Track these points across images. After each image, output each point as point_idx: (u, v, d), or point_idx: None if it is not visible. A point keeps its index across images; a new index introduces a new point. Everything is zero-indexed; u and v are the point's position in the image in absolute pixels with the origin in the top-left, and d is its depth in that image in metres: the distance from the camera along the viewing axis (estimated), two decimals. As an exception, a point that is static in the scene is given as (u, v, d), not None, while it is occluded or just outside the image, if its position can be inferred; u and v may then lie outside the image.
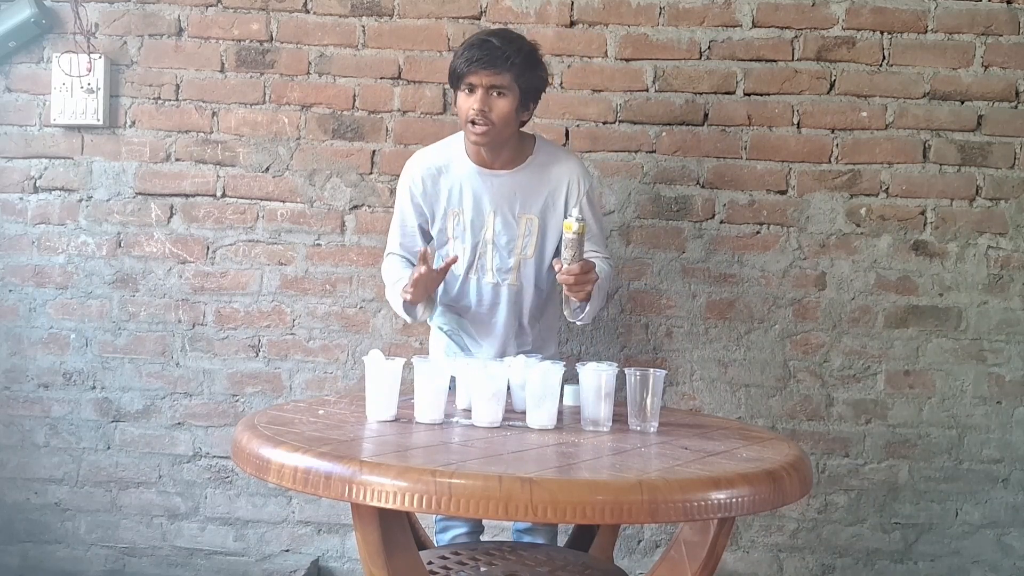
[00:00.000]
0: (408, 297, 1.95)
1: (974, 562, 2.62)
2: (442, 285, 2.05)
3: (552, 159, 2.08)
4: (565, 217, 1.88)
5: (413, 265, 2.08)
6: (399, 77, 2.64)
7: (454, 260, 1.97)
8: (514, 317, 2.12)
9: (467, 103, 1.92)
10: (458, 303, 2.14)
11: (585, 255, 1.83)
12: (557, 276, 1.84)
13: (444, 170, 2.06)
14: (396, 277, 2.08)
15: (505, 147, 2.01)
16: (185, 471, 2.68)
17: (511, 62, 1.88)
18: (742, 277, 2.63)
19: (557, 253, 2.00)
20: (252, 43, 2.66)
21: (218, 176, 2.68)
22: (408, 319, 2.05)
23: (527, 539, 2.19)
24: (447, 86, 2.62)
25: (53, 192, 2.68)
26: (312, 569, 2.62)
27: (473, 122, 1.91)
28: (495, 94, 1.90)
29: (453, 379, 1.72)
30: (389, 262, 2.16)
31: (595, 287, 1.88)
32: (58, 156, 2.68)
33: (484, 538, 2.24)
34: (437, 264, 2.00)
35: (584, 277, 1.81)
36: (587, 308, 1.93)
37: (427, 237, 2.14)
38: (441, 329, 2.23)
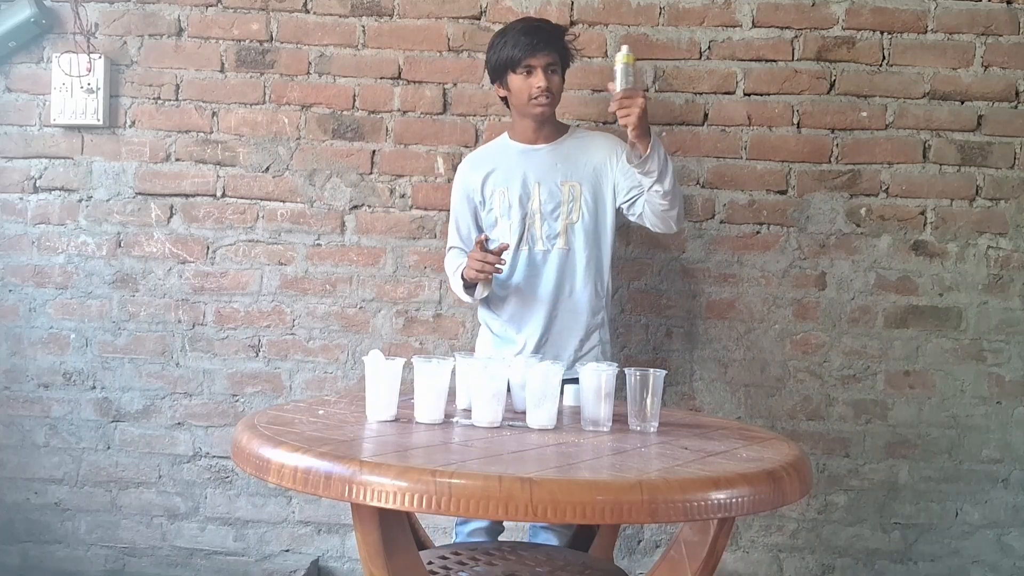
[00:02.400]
0: (469, 275, 2.12)
1: (974, 562, 2.62)
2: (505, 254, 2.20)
3: (590, 135, 2.32)
4: (610, 175, 2.19)
5: None
6: (399, 77, 2.64)
7: (505, 247, 2.10)
8: (564, 280, 2.21)
9: (527, 83, 2.14)
10: (510, 280, 2.23)
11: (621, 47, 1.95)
12: (609, 108, 1.96)
13: (490, 163, 2.27)
14: (455, 265, 2.26)
15: (549, 121, 2.24)
16: (185, 471, 2.68)
17: (559, 43, 2.17)
18: (742, 277, 2.63)
19: (608, 221, 2.22)
20: (252, 43, 2.66)
21: (218, 176, 2.68)
22: (469, 299, 2.24)
23: (543, 536, 2.21)
24: (447, 86, 2.63)
25: (53, 192, 2.68)
26: (312, 569, 2.62)
27: (539, 98, 2.14)
28: (551, 71, 2.15)
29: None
30: (450, 255, 2.34)
31: (657, 144, 1.97)
32: (58, 156, 2.68)
33: (502, 537, 2.26)
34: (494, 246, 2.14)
35: (630, 100, 1.90)
36: (652, 157, 1.97)
37: (480, 230, 2.29)
38: (487, 325, 2.31)
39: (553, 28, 2.19)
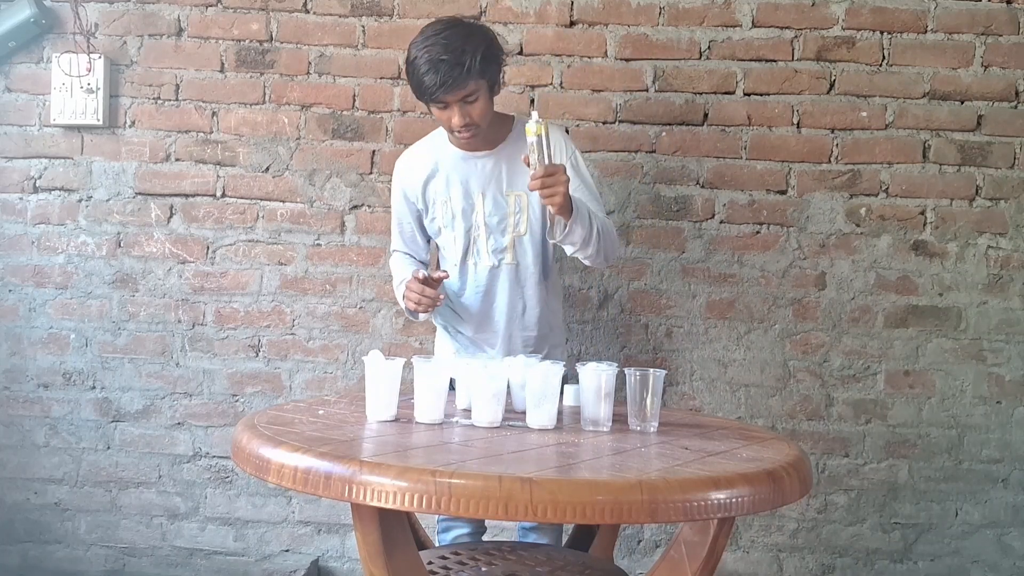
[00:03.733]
0: (410, 307, 1.99)
1: (974, 562, 2.62)
2: (455, 271, 2.09)
3: None
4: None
5: (416, 261, 2.17)
6: (399, 77, 2.64)
7: (445, 275, 1.97)
8: (517, 298, 2.09)
9: (444, 116, 1.93)
10: (459, 296, 2.13)
11: (532, 114, 1.76)
12: (528, 185, 1.78)
13: (430, 163, 2.08)
14: (400, 277, 2.12)
15: (487, 131, 2.01)
16: (185, 471, 2.68)
17: (471, 72, 1.85)
18: (742, 277, 2.63)
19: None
20: (252, 43, 2.66)
21: (218, 176, 2.68)
22: (412, 319, 2.08)
23: (532, 537, 2.19)
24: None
25: (53, 192, 2.68)
26: (312, 569, 2.62)
27: (460, 132, 1.94)
28: (468, 103, 1.90)
29: (453, 379, 1.72)
30: (394, 259, 2.21)
31: (580, 214, 1.82)
32: (58, 156, 2.68)
33: (486, 538, 2.24)
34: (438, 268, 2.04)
35: (552, 179, 1.74)
36: (574, 228, 1.83)
37: (425, 232, 2.16)
38: (446, 330, 2.21)
39: (460, 58, 1.83)
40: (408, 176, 2.11)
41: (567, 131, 2.15)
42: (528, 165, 1.78)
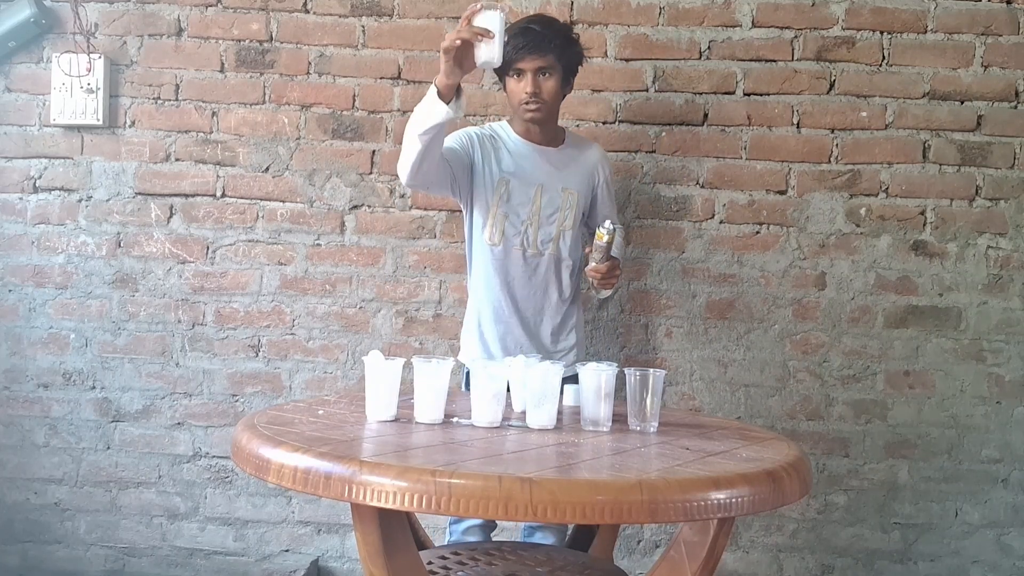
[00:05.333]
0: (453, 43, 1.82)
1: (974, 562, 2.62)
2: (489, 252, 2.17)
3: (582, 143, 2.31)
4: (595, 198, 2.27)
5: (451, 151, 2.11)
6: (399, 77, 2.64)
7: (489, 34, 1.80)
8: (555, 288, 2.22)
9: (518, 87, 2.09)
10: (504, 271, 2.18)
11: (604, 221, 2.02)
12: (587, 270, 2.04)
13: (497, 137, 2.20)
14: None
15: (551, 124, 2.20)
16: (185, 471, 2.68)
17: (553, 44, 2.05)
18: (742, 277, 2.63)
19: (584, 224, 2.29)
20: (252, 43, 2.66)
21: (218, 176, 2.68)
22: (438, 118, 1.90)
23: (538, 536, 2.20)
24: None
25: (53, 192, 2.68)
26: (312, 569, 2.62)
27: (527, 103, 2.08)
28: (543, 75, 2.07)
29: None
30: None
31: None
32: (58, 156, 2.68)
33: (496, 535, 2.26)
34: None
35: (611, 274, 2.05)
36: (611, 291, 2.15)
37: (460, 166, 2.12)
38: (480, 327, 2.21)
39: (546, 30, 2.07)
40: (474, 132, 2.19)
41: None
42: (589, 257, 2.02)
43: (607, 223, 1.98)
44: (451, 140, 2.15)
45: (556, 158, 2.21)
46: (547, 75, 2.08)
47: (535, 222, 2.18)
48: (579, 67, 2.19)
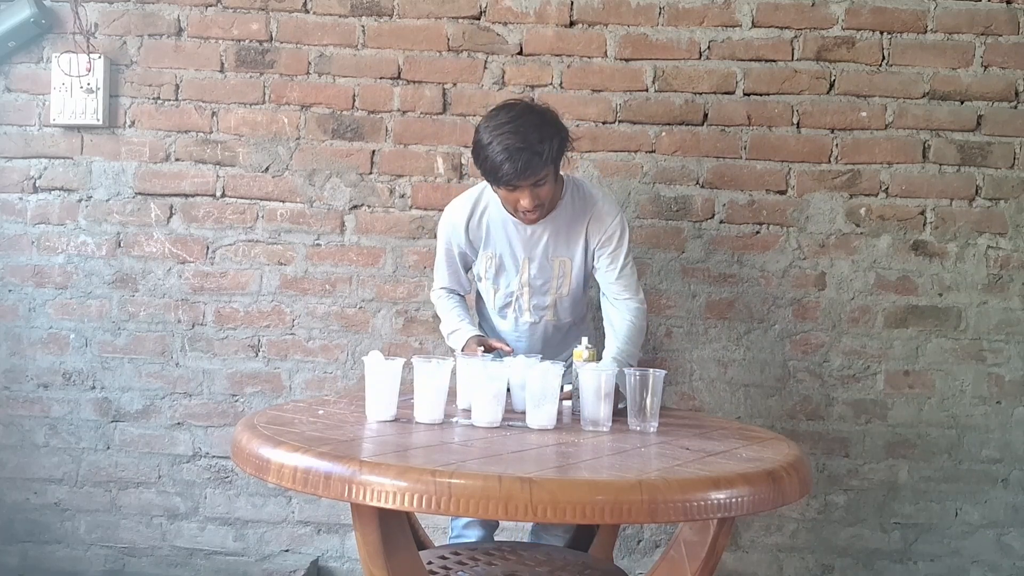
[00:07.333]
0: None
1: (974, 562, 2.62)
2: (489, 304, 2.22)
3: (581, 199, 2.11)
4: (598, 250, 2.09)
5: (460, 297, 2.24)
6: (399, 77, 2.64)
7: (509, 351, 1.99)
8: (557, 340, 2.22)
9: (512, 197, 1.94)
10: (502, 325, 2.23)
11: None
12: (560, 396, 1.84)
13: (482, 216, 2.11)
14: (451, 326, 2.17)
15: None
16: (185, 471, 2.68)
17: (546, 159, 1.88)
18: (742, 277, 2.63)
19: (587, 281, 2.18)
20: (252, 43, 2.66)
21: (218, 176, 2.67)
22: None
23: (545, 535, 2.20)
24: (447, 86, 2.63)
25: (53, 192, 2.68)
26: (312, 569, 2.62)
27: (527, 213, 1.96)
28: (539, 185, 1.92)
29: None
30: (441, 296, 2.24)
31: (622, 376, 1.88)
32: (58, 156, 2.68)
33: (498, 533, 2.26)
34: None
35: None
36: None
37: (468, 269, 2.24)
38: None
39: (539, 145, 1.85)
40: (458, 231, 2.13)
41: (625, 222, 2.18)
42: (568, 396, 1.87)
43: (584, 341, 1.94)
44: (448, 260, 2.18)
45: (541, 230, 2.08)
46: (543, 183, 1.92)
47: (525, 293, 2.14)
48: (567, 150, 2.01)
